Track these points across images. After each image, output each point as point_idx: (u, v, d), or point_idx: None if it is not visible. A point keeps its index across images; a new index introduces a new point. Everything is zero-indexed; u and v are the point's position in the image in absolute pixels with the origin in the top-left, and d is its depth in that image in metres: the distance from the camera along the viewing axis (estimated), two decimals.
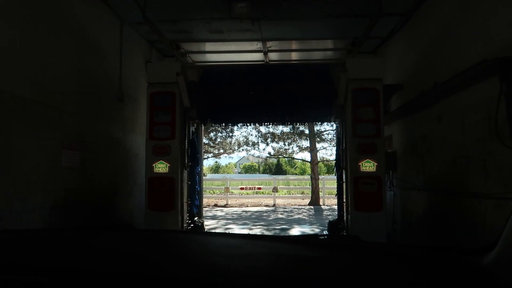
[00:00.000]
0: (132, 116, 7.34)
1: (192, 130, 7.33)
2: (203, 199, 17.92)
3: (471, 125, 4.38)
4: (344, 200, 6.33)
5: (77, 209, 5.32)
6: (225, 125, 11.46)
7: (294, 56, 7.55)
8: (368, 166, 5.77)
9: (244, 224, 10.47)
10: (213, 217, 12.35)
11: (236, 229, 9.41)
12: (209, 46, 7.41)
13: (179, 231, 5.42)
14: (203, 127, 8.33)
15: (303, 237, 2.65)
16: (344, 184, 6.34)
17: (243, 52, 7.15)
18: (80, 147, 5.46)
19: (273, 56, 7.31)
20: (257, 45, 6.89)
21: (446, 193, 5.14)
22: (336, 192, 7.71)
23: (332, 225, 7.01)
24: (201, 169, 8.35)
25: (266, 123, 7.39)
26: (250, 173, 55.49)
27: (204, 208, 16.11)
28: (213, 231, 8.87)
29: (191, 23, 6.83)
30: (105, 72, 6.41)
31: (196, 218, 6.90)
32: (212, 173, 56.31)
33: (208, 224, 10.17)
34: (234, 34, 6.93)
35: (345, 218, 6.33)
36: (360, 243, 1.71)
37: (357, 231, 5.74)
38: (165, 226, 5.95)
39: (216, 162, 63.31)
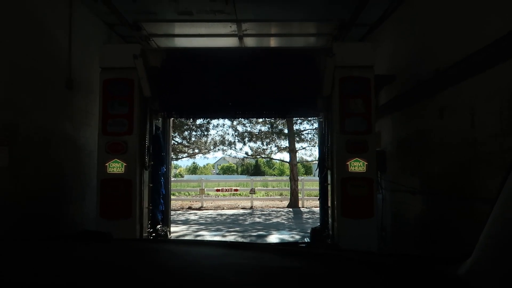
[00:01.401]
0: (86, 108, 6.34)
1: (157, 125, 6.40)
2: (172, 203, 16.97)
3: (484, 117, 3.65)
4: (329, 205, 5.54)
5: (3, 218, 4.31)
6: (193, 120, 10.50)
7: (273, 42, 6.71)
8: (357, 166, 5.00)
9: (218, 230, 9.57)
10: (185, 222, 11.39)
11: (208, 237, 8.51)
12: (176, 29, 6.48)
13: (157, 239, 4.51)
14: (171, 122, 7.38)
15: (277, 245, 2.38)
16: (329, 186, 5.55)
17: (215, 37, 6.28)
18: (7, 141, 4.45)
19: (249, 41, 6.46)
20: (231, 28, 6.02)
21: (448, 197, 4.41)
22: (318, 196, 6.90)
23: (315, 232, 6.21)
24: (169, 169, 7.40)
25: (240, 118, 6.53)
26: (228, 174, 54.78)
27: (177, 211, 15.16)
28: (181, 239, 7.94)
29: (155, 2, 5.91)
30: (49, 54, 5.40)
31: (159, 226, 5.97)
32: (189, 174, 55.28)
33: (177, 231, 9.22)
34: (205, 15, 6.04)
35: (330, 225, 5.54)
36: (334, 251, 1.66)
37: (345, 240, 4.98)
38: (120, 237, 4.99)
39: (193, 163, 62.40)
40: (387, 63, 6.08)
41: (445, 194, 4.49)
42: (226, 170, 58.07)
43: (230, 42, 6.53)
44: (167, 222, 7.04)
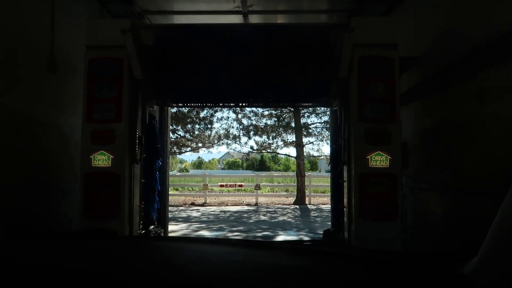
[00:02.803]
0: (72, 93, 5.68)
1: (152, 114, 5.75)
2: (175, 199, 16.47)
3: None
4: (345, 205, 4.86)
5: None
6: (190, 106, 9.81)
7: (281, 19, 5.99)
8: (379, 160, 4.32)
9: (220, 229, 8.93)
10: (186, 219, 10.77)
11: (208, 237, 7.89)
12: (173, 5, 5.79)
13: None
14: (169, 111, 6.71)
15: (282, 244, 2.23)
16: (345, 183, 4.87)
17: (216, 14, 5.60)
18: None
19: (254, 19, 5.76)
20: (235, 4, 5.33)
21: (489, 196, 3.69)
22: (330, 194, 6.22)
23: (328, 235, 5.54)
24: (166, 163, 6.74)
25: (244, 105, 5.85)
26: (234, 169, 54.53)
27: (179, 208, 14.56)
28: None
29: None
30: (26, 31, 4.76)
31: (152, 227, 5.32)
32: (195, 169, 55.10)
33: (176, 230, 8.61)
34: None
35: (346, 227, 4.86)
36: (337, 250, 1.56)
37: (363, 245, 4.31)
38: None
39: (199, 157, 62.14)
40: (410, 44, 5.35)
41: (484, 193, 3.78)
42: (231, 165, 57.81)
43: (234, 20, 5.84)
44: (164, 221, 6.41)
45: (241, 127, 17.33)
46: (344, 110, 4.82)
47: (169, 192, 19.55)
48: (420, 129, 5.38)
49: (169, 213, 11.64)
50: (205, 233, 8.47)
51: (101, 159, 4.52)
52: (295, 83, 5.04)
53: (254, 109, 16.54)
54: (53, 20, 5.09)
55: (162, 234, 5.59)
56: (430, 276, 1.13)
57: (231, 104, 6.15)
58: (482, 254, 1.00)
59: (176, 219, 10.63)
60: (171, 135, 18.32)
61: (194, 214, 12.21)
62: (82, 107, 4.62)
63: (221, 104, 6.11)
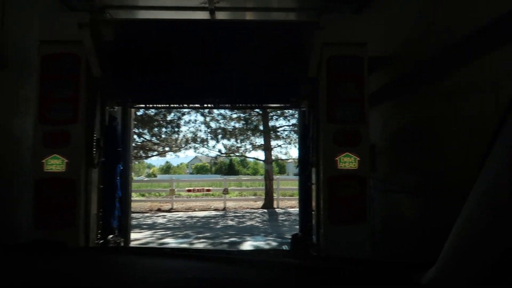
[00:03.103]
0: (27, 93, 5.27)
1: (113, 115, 5.42)
2: (141, 205, 15.97)
3: None
4: (314, 209, 4.75)
5: None
6: (154, 108, 9.49)
7: (250, 17, 5.82)
8: (348, 162, 4.23)
9: (185, 236, 8.62)
10: (151, 227, 10.37)
11: (173, 245, 7.57)
12: (137, 0, 5.51)
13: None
14: (132, 113, 6.38)
15: (240, 255, 1.99)
16: (313, 186, 4.76)
17: (182, 10, 5.36)
18: None
19: (222, 16, 5.56)
20: (201, 0, 5.12)
21: (463, 198, 3.66)
22: (298, 197, 6.10)
23: (296, 240, 5.40)
24: (129, 168, 6.41)
25: (210, 106, 5.64)
26: (202, 174, 53.89)
27: (145, 214, 14.07)
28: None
29: None
30: None
31: (111, 236, 4.98)
32: (162, 174, 53.92)
33: (139, 238, 8.24)
34: None
35: (314, 231, 4.75)
36: (293, 260, 1.50)
37: (332, 249, 4.21)
38: None
39: (167, 162, 60.91)
40: (379, 44, 5.34)
41: (454, 195, 3.75)
42: (200, 170, 57.11)
43: (200, 17, 5.62)
44: (126, 229, 6.06)
45: (209, 130, 17.05)
46: (313, 111, 4.72)
47: (135, 198, 18.98)
48: (389, 131, 5.36)
49: (133, 220, 11.20)
50: (170, 240, 8.14)
51: (55, 164, 4.19)
52: (263, 83, 4.89)
53: (222, 112, 16.33)
54: (3, 13, 4.70)
55: (122, 244, 5.26)
56: (388, 286, 1.11)
57: (197, 105, 5.91)
58: (441, 264, 0.97)
59: (140, 226, 10.22)
60: (137, 138, 17.77)
61: (160, 220, 11.81)
62: (34, 106, 4.29)
63: (186, 105, 5.84)
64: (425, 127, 4.35)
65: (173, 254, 1.61)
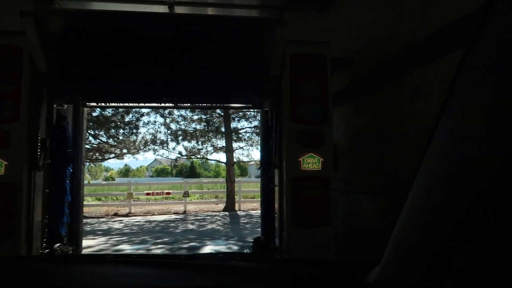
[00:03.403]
0: None
1: (62, 114, 5.02)
2: (97, 209, 15.24)
3: None
4: (277, 211, 4.61)
5: None
6: (107, 107, 9.03)
7: (211, 13, 5.60)
8: (311, 162, 4.13)
9: (143, 242, 8.23)
10: (106, 232, 9.84)
11: (129, 251, 7.18)
12: None
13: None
14: (84, 112, 5.96)
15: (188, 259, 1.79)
16: (276, 188, 4.62)
17: (139, 3, 5.04)
18: None
19: (181, 11, 5.30)
20: None
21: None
22: (260, 200, 5.94)
23: (258, 244, 5.24)
24: (80, 170, 5.97)
25: (168, 105, 5.36)
26: (162, 177, 52.89)
27: (100, 219, 13.41)
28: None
29: None
30: None
31: (58, 245, 4.59)
32: (121, 177, 52.39)
33: (93, 245, 7.75)
34: None
35: (277, 235, 4.60)
36: (243, 263, 1.48)
37: (296, 253, 4.08)
38: None
39: (126, 165, 59.14)
40: (341, 45, 5.30)
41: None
42: (160, 173, 56.04)
43: (158, 11, 5.32)
44: (77, 236, 5.63)
45: (169, 132, 16.56)
46: (275, 110, 4.58)
47: (91, 202, 18.13)
48: (351, 131, 5.32)
49: (87, 226, 10.62)
50: (126, 247, 7.72)
51: None
52: (224, 82, 4.70)
53: (183, 113, 15.93)
54: None
55: (71, 253, 4.86)
56: (333, 286, 1.13)
57: (155, 105, 5.61)
58: (384, 263, 0.99)
59: (95, 233, 9.68)
60: (92, 140, 16.99)
61: (117, 225, 11.26)
62: None
63: (143, 105, 5.52)
64: (386, 127, 4.34)
65: (122, 261, 1.50)
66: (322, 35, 4.21)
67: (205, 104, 5.86)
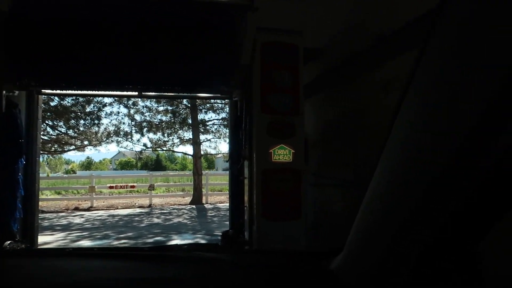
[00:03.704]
0: None
1: (12, 101, 4.63)
2: (56, 203, 14.56)
3: None
4: (246, 204, 4.47)
5: None
6: (62, 95, 8.53)
7: None
8: (282, 154, 4.01)
9: (105, 237, 7.87)
10: (65, 228, 9.37)
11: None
12: None
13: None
14: (39, 100, 5.55)
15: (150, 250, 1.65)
16: (246, 180, 4.47)
17: None
18: None
19: None
20: None
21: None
22: (229, 193, 5.78)
23: (227, 238, 5.09)
24: (35, 162, 5.57)
25: (129, 91, 5.07)
26: (127, 170, 51.72)
27: (60, 214, 12.78)
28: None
29: None
30: None
31: (9, 242, 4.23)
32: (83, 170, 50.88)
33: (50, 241, 7.33)
34: None
35: (247, 228, 4.47)
36: (202, 253, 1.42)
37: (266, 245, 3.97)
38: None
39: (88, 158, 57.16)
40: (312, 34, 5.18)
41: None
42: (125, 166, 54.73)
43: None
44: (31, 232, 5.26)
45: (133, 123, 16.00)
46: (246, 100, 4.41)
47: (49, 197, 17.31)
48: (322, 123, 5.25)
49: (45, 221, 10.08)
50: (86, 243, 7.34)
51: None
52: (191, 69, 4.47)
53: (148, 104, 15.42)
54: None
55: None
56: (297, 273, 1.15)
57: (118, 93, 5.29)
58: (346, 251, 1.03)
59: (53, 228, 9.18)
60: (50, 131, 16.14)
61: (77, 220, 10.76)
62: None
63: (104, 93, 5.20)
64: (357, 120, 4.28)
65: (81, 254, 1.42)
66: (294, 23, 4.07)
67: (171, 94, 5.59)
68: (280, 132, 3.98)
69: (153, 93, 5.31)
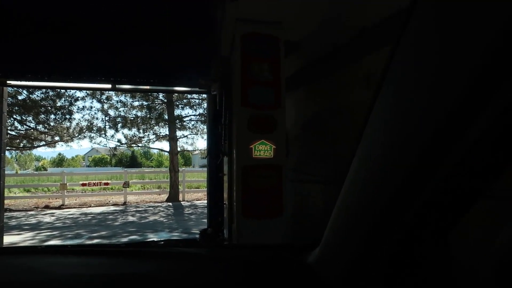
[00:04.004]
0: None
1: None
2: (26, 201, 13.96)
3: None
4: (226, 202, 4.33)
5: None
6: (24, 87, 8.13)
7: None
8: (263, 150, 3.89)
9: (76, 237, 7.55)
10: (34, 227, 8.96)
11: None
12: None
13: None
14: (4, 92, 5.21)
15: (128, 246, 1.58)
16: (226, 177, 4.33)
17: None
18: None
19: None
20: None
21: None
22: (207, 190, 5.61)
23: (206, 236, 4.93)
24: (1, 159, 5.25)
25: (101, 83, 4.81)
26: (101, 167, 50.67)
27: (29, 212, 12.25)
28: None
29: None
30: None
31: None
32: (54, 167, 49.69)
33: (17, 241, 6.98)
34: None
35: (226, 226, 4.34)
36: (183, 248, 1.39)
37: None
38: None
39: (59, 154, 55.55)
40: (293, 27, 5.07)
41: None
42: (98, 162, 53.59)
43: None
44: None
45: (107, 118, 15.53)
46: (225, 94, 4.26)
47: (17, 194, 16.67)
48: (301, 118, 5.15)
49: (12, 220, 9.63)
50: (57, 242, 7.02)
51: None
52: (167, 60, 4.28)
53: (122, 98, 14.99)
54: None
55: None
56: (275, 266, 1.17)
57: (88, 85, 5.02)
58: (323, 245, 1.05)
59: (21, 227, 8.77)
60: (19, 126, 15.46)
61: (47, 219, 10.34)
62: None
63: (74, 86, 4.92)
64: (337, 114, 4.20)
65: (55, 251, 1.35)
66: (275, 14, 3.93)
67: (147, 87, 5.36)
68: (261, 127, 3.85)
69: (128, 86, 5.07)
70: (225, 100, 4.20)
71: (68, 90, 14.39)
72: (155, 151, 45.27)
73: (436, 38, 0.66)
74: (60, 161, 56.45)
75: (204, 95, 11.10)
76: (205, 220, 5.71)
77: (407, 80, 0.73)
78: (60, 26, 3.85)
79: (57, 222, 9.71)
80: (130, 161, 50.63)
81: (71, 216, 10.84)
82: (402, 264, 0.82)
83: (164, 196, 15.47)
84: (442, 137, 0.65)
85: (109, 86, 5.06)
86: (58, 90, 13.66)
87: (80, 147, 68.69)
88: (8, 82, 4.86)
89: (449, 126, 0.63)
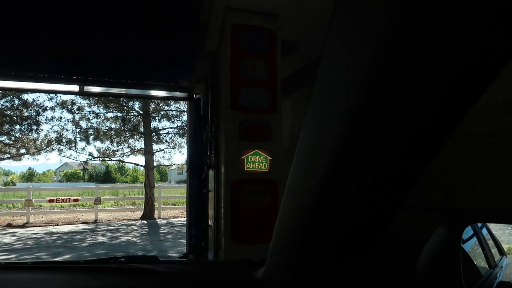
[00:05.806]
0: None
1: None
2: None
3: None
4: (211, 223, 3.68)
5: None
6: None
7: None
8: (257, 162, 3.29)
9: (36, 260, 6.70)
10: None
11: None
12: None
13: None
14: None
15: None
16: (211, 194, 3.69)
17: None
18: None
19: None
20: None
21: None
22: (187, 209, 4.92)
23: None
24: None
25: (67, 83, 4.12)
26: (73, 182, 48.90)
27: None
28: None
29: None
30: None
31: None
32: (24, 181, 47.67)
33: None
34: None
35: (212, 251, 3.68)
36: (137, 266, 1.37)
37: None
38: None
39: (29, 169, 53.22)
40: (288, 26, 4.56)
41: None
42: (71, 177, 51.74)
43: None
44: None
45: (78, 130, 14.58)
46: (211, 95, 3.64)
47: None
48: (299, 125, 4.60)
49: None
50: None
51: None
52: (142, 56, 3.66)
53: (95, 109, 14.12)
54: None
55: None
56: (228, 283, 1.18)
57: (50, 87, 4.31)
58: (268, 259, 1.08)
59: None
60: None
61: (6, 239, 9.32)
62: None
63: (32, 86, 4.21)
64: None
65: (10, 267, 1.34)
66: (272, 5, 3.40)
67: (119, 92, 4.70)
68: (254, 134, 3.25)
69: (97, 88, 4.39)
70: (211, 102, 3.59)
71: (36, 99, 13.46)
72: (131, 166, 44.01)
73: (339, 48, 0.69)
74: (30, 176, 54.38)
75: (184, 103, 10.42)
76: (183, 241, 5.01)
77: (324, 88, 0.74)
78: (18, 18, 3.19)
79: (16, 243, 8.72)
80: (104, 176, 49.10)
81: (34, 236, 9.86)
82: (342, 268, 0.84)
83: (139, 213, 14.56)
84: (345, 144, 0.67)
85: (76, 88, 4.37)
86: (19, 95, 12.72)
87: (47, 160, 66.45)
88: None
89: (349, 133, 0.65)
